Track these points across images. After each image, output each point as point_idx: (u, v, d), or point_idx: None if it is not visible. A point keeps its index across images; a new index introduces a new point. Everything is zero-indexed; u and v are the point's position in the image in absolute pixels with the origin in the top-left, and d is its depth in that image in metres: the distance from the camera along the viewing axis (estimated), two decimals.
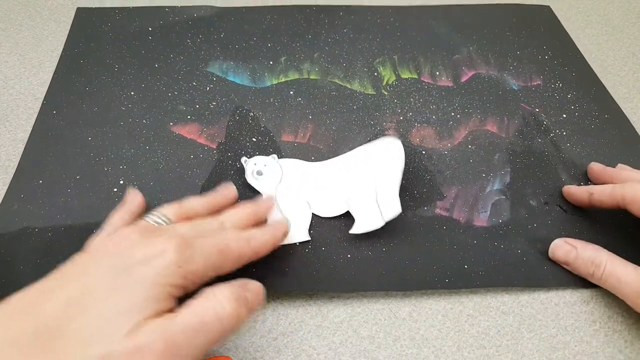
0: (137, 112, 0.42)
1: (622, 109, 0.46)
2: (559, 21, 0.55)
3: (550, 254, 0.35)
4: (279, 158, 0.39)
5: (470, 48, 0.50)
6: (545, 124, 0.44)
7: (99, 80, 0.45)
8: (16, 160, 0.39)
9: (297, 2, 0.55)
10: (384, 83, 0.47)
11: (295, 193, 0.37)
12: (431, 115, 0.44)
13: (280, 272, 0.33)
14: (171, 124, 0.42)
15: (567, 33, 0.54)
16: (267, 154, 0.39)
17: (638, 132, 0.44)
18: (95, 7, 0.52)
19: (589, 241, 0.34)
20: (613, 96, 0.47)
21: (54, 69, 0.45)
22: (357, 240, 0.35)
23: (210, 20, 0.51)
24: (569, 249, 0.34)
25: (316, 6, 0.54)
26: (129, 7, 0.52)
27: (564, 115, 0.45)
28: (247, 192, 0.37)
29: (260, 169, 0.38)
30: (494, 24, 0.54)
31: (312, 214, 0.37)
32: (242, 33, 0.50)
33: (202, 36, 0.50)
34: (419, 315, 0.33)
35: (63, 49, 0.47)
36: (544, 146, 0.42)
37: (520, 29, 0.53)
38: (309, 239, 0.35)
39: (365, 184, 0.36)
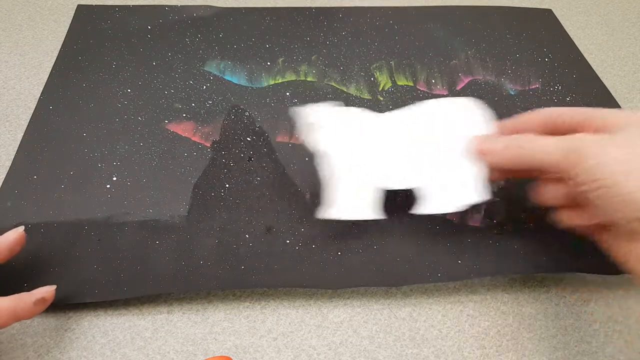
0: (133, 109, 0.42)
1: (623, 109, 0.46)
2: (560, 24, 0.55)
3: (469, 148, 0.31)
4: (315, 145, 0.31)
5: (469, 52, 0.50)
6: None
7: (96, 77, 0.45)
8: None
9: (296, 4, 0.55)
10: (380, 89, 0.47)
11: (356, 156, 0.31)
12: None
13: (270, 269, 0.33)
14: (166, 121, 0.42)
15: (569, 35, 0.53)
16: (262, 154, 0.37)
17: None
18: (95, 5, 0.52)
19: (586, 240, 0.34)
20: (614, 96, 0.47)
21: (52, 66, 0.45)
22: (347, 237, 0.35)
23: (210, 20, 0.51)
24: (486, 140, 0.31)
25: (315, 8, 0.54)
26: (129, 5, 0.52)
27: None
28: (241, 184, 0.37)
29: (313, 121, 0.32)
30: (493, 26, 0.54)
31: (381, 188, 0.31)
32: (240, 33, 0.50)
33: (200, 35, 0.50)
34: (419, 315, 0.33)
35: (62, 45, 0.47)
36: None
37: (520, 32, 0.53)
38: (381, 217, 0.31)
39: (438, 152, 0.31)
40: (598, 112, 0.29)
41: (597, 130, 0.28)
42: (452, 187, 0.31)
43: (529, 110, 0.32)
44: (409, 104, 0.45)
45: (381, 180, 0.31)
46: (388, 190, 0.32)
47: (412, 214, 0.32)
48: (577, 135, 0.28)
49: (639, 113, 0.28)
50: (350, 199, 0.31)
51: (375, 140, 0.32)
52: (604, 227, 0.28)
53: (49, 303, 0.29)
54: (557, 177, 0.29)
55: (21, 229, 0.30)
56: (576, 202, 0.29)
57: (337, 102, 0.34)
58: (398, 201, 0.34)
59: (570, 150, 0.27)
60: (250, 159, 0.40)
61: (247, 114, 0.43)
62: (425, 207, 0.31)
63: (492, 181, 0.32)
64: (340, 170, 0.31)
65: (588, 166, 0.26)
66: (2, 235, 0.30)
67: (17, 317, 0.28)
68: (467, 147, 0.31)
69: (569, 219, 0.30)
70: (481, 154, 0.31)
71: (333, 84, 0.47)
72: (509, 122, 0.33)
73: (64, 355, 0.30)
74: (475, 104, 0.33)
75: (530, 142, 0.29)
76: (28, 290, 0.31)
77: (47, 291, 0.29)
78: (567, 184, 0.28)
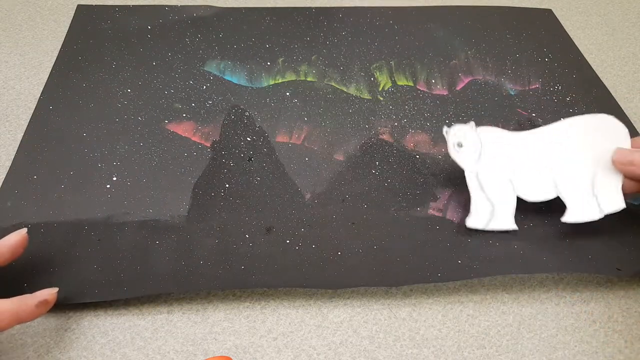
0: (133, 109, 0.42)
1: (623, 110, 0.46)
2: (560, 24, 0.55)
3: (613, 159, 0.33)
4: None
5: (469, 52, 0.50)
6: None
7: (96, 77, 0.45)
8: None
9: (296, 4, 0.55)
10: (380, 89, 0.47)
11: (498, 170, 0.34)
12: (425, 123, 0.44)
13: (270, 269, 0.33)
14: (166, 121, 0.42)
15: (569, 35, 0.53)
16: (262, 154, 0.38)
17: (639, 132, 0.44)
18: (95, 5, 0.52)
19: (590, 239, 0.34)
20: (614, 96, 0.47)
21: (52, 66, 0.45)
22: (347, 237, 0.35)
23: (210, 20, 0.51)
24: (630, 152, 0.33)
25: (315, 8, 0.54)
26: (129, 5, 0.52)
27: (562, 119, 0.45)
28: (241, 184, 0.37)
29: (460, 140, 0.35)
30: (493, 26, 0.54)
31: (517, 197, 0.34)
32: (240, 33, 0.50)
33: (200, 35, 0.50)
34: (419, 315, 0.33)
35: (62, 45, 0.47)
36: None
37: (520, 32, 0.53)
38: (516, 227, 0.34)
39: (581, 165, 0.33)
40: None
41: None
42: (592, 196, 0.33)
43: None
44: (409, 104, 0.45)
45: (524, 193, 0.34)
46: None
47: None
48: None
49: None
50: (491, 210, 0.34)
51: (510, 156, 0.35)
52: None
53: (50, 305, 0.29)
54: None
55: (24, 231, 0.30)
56: None
57: (470, 123, 0.36)
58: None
59: None
60: (250, 159, 0.40)
61: (247, 114, 0.43)
62: (570, 215, 0.33)
63: (629, 192, 0.33)
64: (479, 184, 0.35)
65: None
66: (5, 238, 0.30)
67: (19, 320, 0.28)
68: (609, 159, 0.33)
69: None
70: (623, 165, 0.32)
71: (333, 84, 0.47)
72: None
73: (64, 355, 0.30)
74: (613, 120, 0.35)
75: None
76: (28, 290, 0.31)
77: (49, 293, 0.29)
78: None
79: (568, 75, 0.49)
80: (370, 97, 0.46)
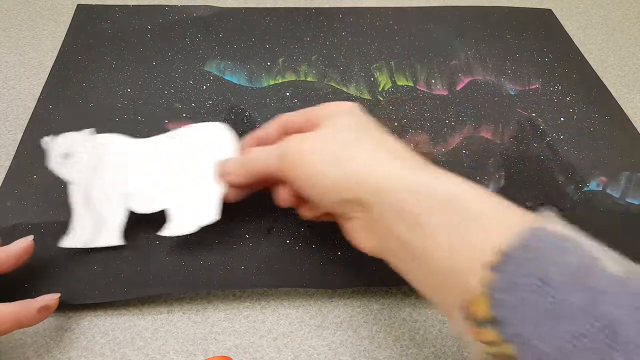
0: (133, 108, 0.42)
1: (624, 109, 0.46)
2: (560, 24, 0.55)
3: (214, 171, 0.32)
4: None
5: (469, 52, 0.50)
6: (541, 128, 0.44)
7: (96, 77, 0.45)
8: None
9: (296, 4, 0.55)
10: (380, 89, 0.47)
11: (111, 181, 0.32)
12: (425, 123, 0.44)
13: (270, 269, 0.33)
14: (166, 121, 0.42)
15: (569, 35, 0.53)
16: None
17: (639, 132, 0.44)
18: (95, 5, 0.52)
19: None
20: (614, 96, 0.47)
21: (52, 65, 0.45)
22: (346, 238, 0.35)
23: (210, 20, 0.51)
24: (226, 162, 0.33)
25: (315, 8, 0.54)
26: (129, 5, 0.52)
27: (562, 119, 0.45)
28: None
29: (69, 151, 0.32)
30: (493, 26, 0.54)
31: (130, 211, 0.32)
32: (240, 33, 0.50)
33: (200, 35, 0.50)
34: (419, 315, 0.33)
35: (62, 44, 0.47)
36: (539, 150, 0.42)
37: (520, 32, 0.53)
38: (123, 243, 0.32)
39: (187, 175, 0.32)
40: (313, 111, 0.31)
41: (312, 127, 0.30)
42: (193, 208, 0.32)
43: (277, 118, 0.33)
44: (409, 104, 0.45)
45: (130, 205, 0.32)
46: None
47: None
48: (286, 138, 0.30)
49: (335, 104, 0.30)
50: (93, 226, 0.32)
51: (127, 166, 0.33)
52: (329, 214, 0.30)
53: (52, 310, 0.29)
54: (283, 180, 0.30)
55: (30, 238, 0.30)
56: (303, 198, 0.30)
57: (90, 130, 0.34)
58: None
59: (280, 154, 0.29)
60: None
61: (247, 114, 0.43)
62: (168, 229, 0.32)
63: (234, 200, 0.33)
64: (86, 197, 0.32)
65: (293, 164, 0.28)
66: (12, 244, 0.30)
67: (20, 324, 0.28)
68: (212, 171, 0.32)
69: (303, 214, 0.32)
70: (222, 177, 0.32)
71: (333, 84, 0.47)
72: (249, 138, 0.34)
73: (64, 355, 0.30)
74: (223, 129, 0.34)
75: (255, 154, 0.31)
76: (28, 290, 0.31)
77: (50, 299, 0.29)
78: (291, 185, 0.29)
79: (568, 75, 0.49)
80: (370, 97, 0.46)
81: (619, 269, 0.19)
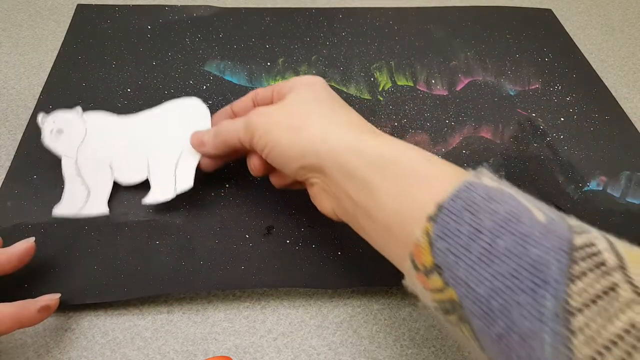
0: (133, 108, 0.42)
1: (624, 109, 0.46)
2: (560, 24, 0.55)
3: (190, 141, 0.35)
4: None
5: (468, 53, 0.50)
6: (541, 128, 0.44)
7: (96, 77, 0.45)
8: None
9: (296, 4, 0.55)
10: (380, 89, 0.47)
11: (98, 154, 0.35)
12: (425, 123, 0.44)
13: (270, 269, 0.33)
14: None
15: (569, 35, 0.53)
16: None
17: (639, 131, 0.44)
18: (95, 4, 0.52)
19: None
20: (614, 96, 0.47)
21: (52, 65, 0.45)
22: (347, 237, 0.35)
23: (210, 20, 0.51)
24: (202, 133, 0.35)
25: (315, 9, 0.54)
26: (129, 5, 0.52)
27: (562, 119, 0.45)
28: (241, 184, 0.37)
29: (62, 127, 0.36)
30: (493, 27, 0.54)
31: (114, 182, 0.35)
32: (240, 33, 0.50)
33: (200, 35, 0.50)
34: (419, 315, 0.33)
35: (62, 44, 0.47)
36: (539, 150, 0.42)
37: (520, 32, 0.53)
38: (107, 211, 0.35)
39: (166, 147, 0.35)
40: (280, 85, 0.33)
41: (279, 100, 0.32)
42: (171, 177, 0.35)
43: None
44: (409, 104, 0.45)
45: (115, 175, 0.35)
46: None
47: None
48: (253, 110, 0.32)
49: (299, 78, 0.33)
50: (83, 195, 0.35)
51: (112, 140, 0.36)
52: (297, 182, 0.32)
53: (53, 311, 0.29)
54: (252, 150, 0.32)
55: (32, 239, 0.31)
56: (273, 167, 0.32)
57: (78, 108, 0.37)
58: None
59: (246, 125, 0.31)
60: None
61: None
62: (149, 196, 0.35)
63: (207, 170, 0.36)
64: (77, 170, 0.35)
65: (258, 135, 0.30)
66: (13, 245, 0.30)
67: (21, 325, 0.28)
68: (188, 142, 0.35)
69: (274, 182, 0.34)
70: (196, 147, 0.35)
71: (333, 84, 0.47)
72: (223, 111, 0.37)
73: (64, 355, 0.30)
74: (199, 103, 0.37)
75: (225, 126, 0.34)
76: (28, 290, 0.31)
77: (51, 299, 0.29)
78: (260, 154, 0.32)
79: (568, 75, 0.49)
80: (371, 97, 0.46)
81: (545, 215, 0.21)
